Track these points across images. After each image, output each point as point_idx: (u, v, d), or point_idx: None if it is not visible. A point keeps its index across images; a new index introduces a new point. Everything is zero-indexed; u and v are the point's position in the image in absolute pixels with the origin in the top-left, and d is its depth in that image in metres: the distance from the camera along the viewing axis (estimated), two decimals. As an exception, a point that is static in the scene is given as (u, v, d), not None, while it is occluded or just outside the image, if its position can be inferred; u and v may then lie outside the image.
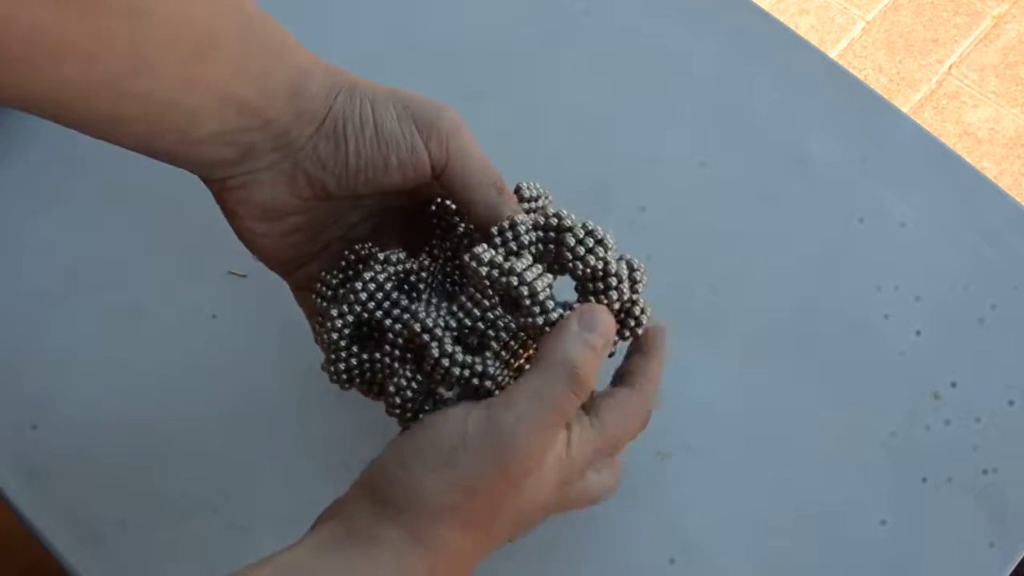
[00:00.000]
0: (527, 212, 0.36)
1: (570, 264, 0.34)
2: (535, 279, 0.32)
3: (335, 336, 0.35)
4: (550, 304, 0.33)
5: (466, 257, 0.33)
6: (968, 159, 0.48)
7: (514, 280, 0.32)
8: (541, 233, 0.35)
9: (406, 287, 0.36)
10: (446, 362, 0.33)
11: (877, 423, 0.43)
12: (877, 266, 0.45)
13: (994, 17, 1.47)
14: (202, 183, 0.48)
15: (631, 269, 0.35)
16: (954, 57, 1.44)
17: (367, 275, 0.34)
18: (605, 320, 0.32)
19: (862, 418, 0.43)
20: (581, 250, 0.34)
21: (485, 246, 0.33)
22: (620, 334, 0.36)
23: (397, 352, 0.35)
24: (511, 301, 0.33)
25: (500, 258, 0.33)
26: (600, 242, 0.34)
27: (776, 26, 0.50)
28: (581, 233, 0.34)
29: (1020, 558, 0.41)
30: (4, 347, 0.46)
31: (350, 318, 0.34)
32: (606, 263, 0.34)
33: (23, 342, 0.46)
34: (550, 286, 0.33)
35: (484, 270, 0.33)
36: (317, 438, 0.43)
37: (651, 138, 0.48)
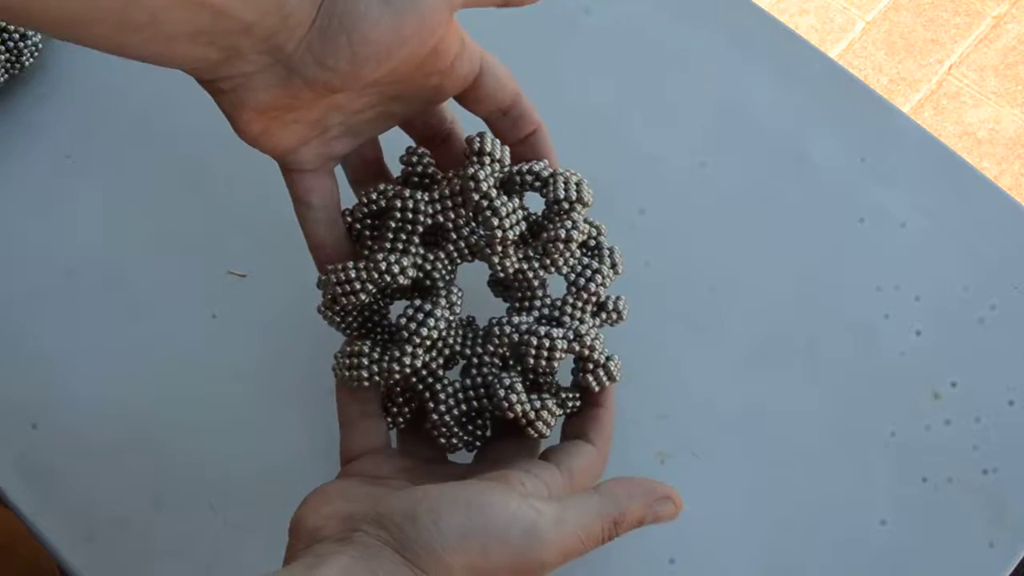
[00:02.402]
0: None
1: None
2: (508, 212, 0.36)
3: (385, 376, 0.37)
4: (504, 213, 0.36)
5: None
6: (968, 159, 0.48)
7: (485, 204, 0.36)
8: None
9: (427, 282, 0.38)
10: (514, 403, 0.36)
11: (877, 423, 0.43)
12: (877, 266, 0.45)
13: (994, 17, 1.47)
14: (201, 181, 0.49)
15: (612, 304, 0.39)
16: (954, 57, 1.44)
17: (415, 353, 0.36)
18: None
19: (862, 418, 0.43)
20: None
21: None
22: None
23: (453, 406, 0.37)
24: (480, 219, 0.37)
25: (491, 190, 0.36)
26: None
27: (776, 26, 0.50)
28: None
29: (1020, 558, 0.41)
30: (4, 347, 0.46)
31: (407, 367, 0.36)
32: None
33: (23, 342, 0.46)
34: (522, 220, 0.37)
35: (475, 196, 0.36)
36: (317, 437, 0.43)
37: (651, 138, 0.48)
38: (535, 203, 0.39)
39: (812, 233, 0.46)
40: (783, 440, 0.43)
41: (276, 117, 0.33)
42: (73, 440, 0.44)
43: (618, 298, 0.39)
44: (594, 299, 0.38)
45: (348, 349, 0.37)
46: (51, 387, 0.45)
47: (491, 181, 0.36)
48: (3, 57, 0.49)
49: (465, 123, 0.40)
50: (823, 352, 0.44)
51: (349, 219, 0.38)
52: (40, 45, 0.50)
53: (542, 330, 0.36)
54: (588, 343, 0.36)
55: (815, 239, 0.46)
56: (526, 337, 0.36)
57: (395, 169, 0.40)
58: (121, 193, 0.49)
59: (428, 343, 0.36)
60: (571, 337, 0.36)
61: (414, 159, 0.39)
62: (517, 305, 0.38)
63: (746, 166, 0.47)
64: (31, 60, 0.50)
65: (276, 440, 0.44)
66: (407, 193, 0.37)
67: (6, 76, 0.49)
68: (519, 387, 0.36)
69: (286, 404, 0.44)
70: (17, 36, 0.49)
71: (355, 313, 0.38)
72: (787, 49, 0.50)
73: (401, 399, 0.38)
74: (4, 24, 0.48)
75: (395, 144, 0.40)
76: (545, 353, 0.35)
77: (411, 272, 0.36)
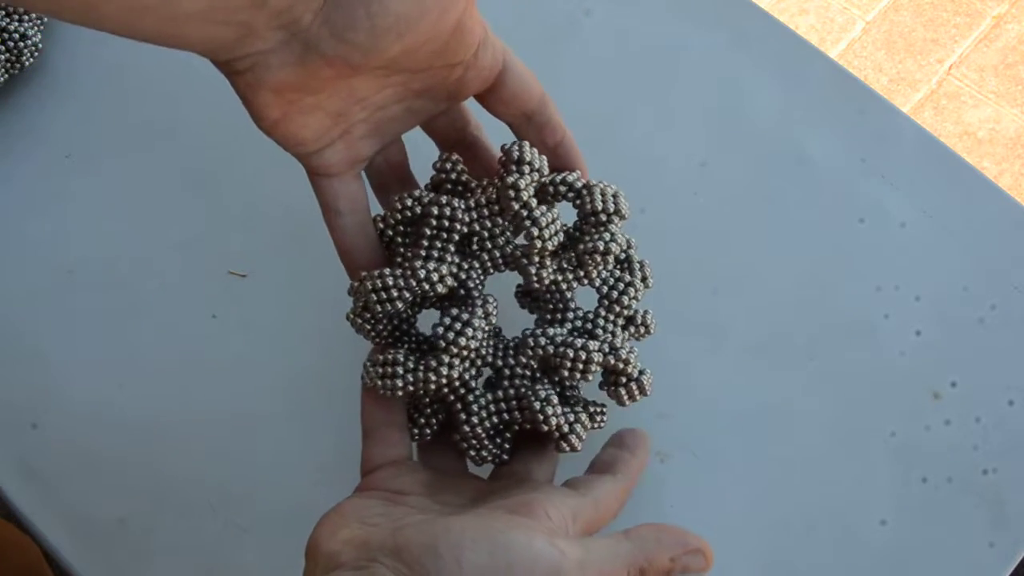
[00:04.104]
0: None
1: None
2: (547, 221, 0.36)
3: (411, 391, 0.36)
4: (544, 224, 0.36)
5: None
6: (968, 159, 0.48)
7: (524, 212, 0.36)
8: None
9: (461, 290, 0.37)
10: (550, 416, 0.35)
11: (877, 423, 0.43)
12: (877, 266, 0.45)
13: (994, 17, 1.47)
14: (201, 181, 0.49)
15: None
16: (954, 57, 1.44)
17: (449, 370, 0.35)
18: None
19: (862, 418, 0.43)
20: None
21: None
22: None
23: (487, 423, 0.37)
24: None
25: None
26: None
27: (776, 26, 0.50)
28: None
29: (1020, 558, 0.41)
30: (4, 347, 0.46)
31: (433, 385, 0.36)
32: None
33: (23, 342, 0.46)
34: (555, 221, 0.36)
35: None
36: (317, 438, 0.43)
37: (651, 139, 0.48)
38: (566, 215, 0.39)
39: (812, 233, 0.46)
40: (783, 440, 0.43)
41: (295, 101, 0.32)
42: (73, 440, 0.44)
43: (646, 312, 0.38)
44: (626, 313, 0.38)
45: (381, 357, 0.36)
46: (51, 387, 0.45)
47: (531, 191, 0.36)
48: (3, 57, 0.49)
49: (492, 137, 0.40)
50: (823, 352, 0.44)
51: (382, 225, 0.38)
52: (40, 45, 0.50)
53: (579, 342, 0.35)
54: (623, 356, 0.36)
55: (815, 239, 0.46)
56: (562, 349, 0.35)
57: (419, 179, 0.40)
58: (121, 193, 0.49)
59: (466, 353, 0.35)
60: (607, 350, 0.36)
61: (447, 166, 0.38)
62: (548, 317, 0.38)
63: (746, 166, 0.47)
64: (31, 60, 0.50)
65: (276, 440, 0.44)
66: (444, 200, 0.36)
67: (6, 76, 0.49)
68: (555, 399, 0.35)
69: (286, 404, 0.44)
70: (17, 36, 0.49)
71: (385, 321, 0.37)
72: (787, 49, 0.50)
73: (428, 410, 0.37)
74: (4, 24, 0.48)
75: (417, 154, 0.39)
76: (581, 366, 0.35)
77: (449, 281, 0.36)
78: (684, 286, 0.45)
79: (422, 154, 0.39)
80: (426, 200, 0.37)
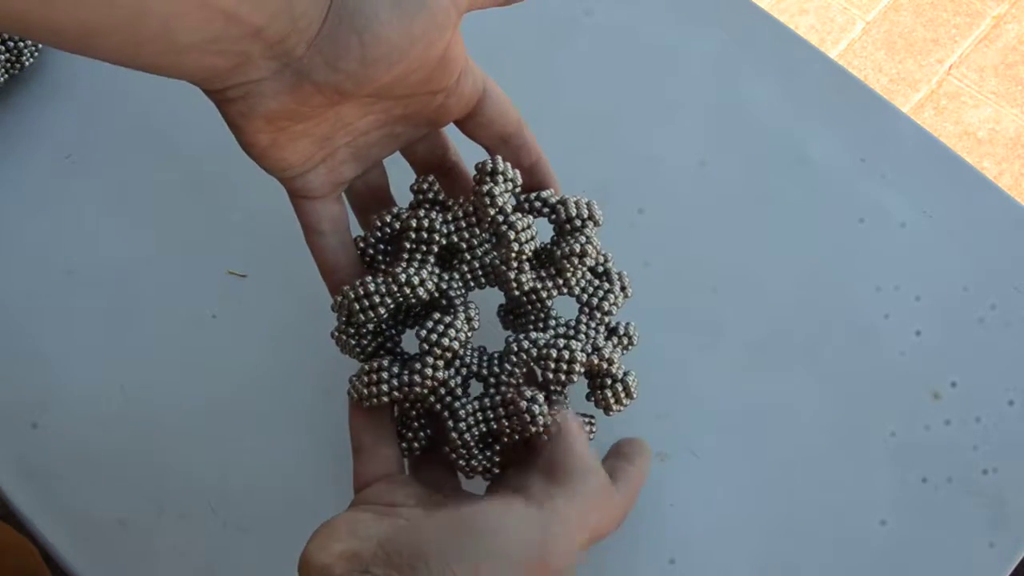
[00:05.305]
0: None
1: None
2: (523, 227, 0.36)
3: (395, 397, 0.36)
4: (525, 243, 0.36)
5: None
6: (968, 159, 0.48)
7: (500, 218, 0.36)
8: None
9: (443, 301, 0.38)
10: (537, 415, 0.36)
11: (877, 423, 0.43)
12: (877, 266, 0.45)
13: (994, 17, 1.47)
14: (200, 181, 0.49)
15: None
16: (954, 57, 1.44)
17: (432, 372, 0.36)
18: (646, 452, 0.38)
19: (862, 418, 0.43)
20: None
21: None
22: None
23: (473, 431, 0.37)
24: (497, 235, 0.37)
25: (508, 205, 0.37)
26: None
27: (776, 26, 0.50)
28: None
29: (1020, 558, 0.41)
30: (4, 347, 0.46)
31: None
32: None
33: (23, 342, 0.46)
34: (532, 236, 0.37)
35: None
36: (317, 438, 0.43)
37: (650, 138, 0.48)
38: (542, 232, 0.39)
39: (812, 233, 0.46)
40: (783, 440, 0.43)
41: (284, 128, 0.33)
42: (73, 440, 0.44)
43: (628, 323, 0.39)
44: (607, 319, 0.38)
45: (367, 366, 0.36)
46: (51, 387, 0.45)
47: (506, 197, 0.36)
48: (3, 57, 0.49)
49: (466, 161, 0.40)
50: (823, 352, 0.44)
51: (362, 244, 0.38)
52: (40, 45, 0.50)
53: (561, 342, 0.35)
54: (607, 356, 0.36)
55: (815, 239, 0.46)
56: (545, 351, 0.35)
57: (399, 200, 0.40)
58: (121, 193, 0.49)
59: (448, 355, 0.35)
60: (589, 351, 0.36)
61: (424, 186, 0.39)
62: (531, 328, 0.38)
63: (746, 166, 0.47)
64: (31, 60, 0.50)
65: (276, 440, 0.44)
66: (422, 213, 0.37)
67: (6, 76, 0.49)
68: (541, 399, 0.35)
69: (286, 404, 0.44)
70: (17, 36, 0.49)
71: (370, 336, 0.38)
72: (787, 49, 0.50)
73: (416, 424, 0.37)
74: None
75: (396, 178, 0.40)
76: (565, 366, 0.35)
77: (430, 285, 0.36)
78: (684, 286, 0.45)
79: (407, 179, 0.40)
80: (405, 215, 0.37)
